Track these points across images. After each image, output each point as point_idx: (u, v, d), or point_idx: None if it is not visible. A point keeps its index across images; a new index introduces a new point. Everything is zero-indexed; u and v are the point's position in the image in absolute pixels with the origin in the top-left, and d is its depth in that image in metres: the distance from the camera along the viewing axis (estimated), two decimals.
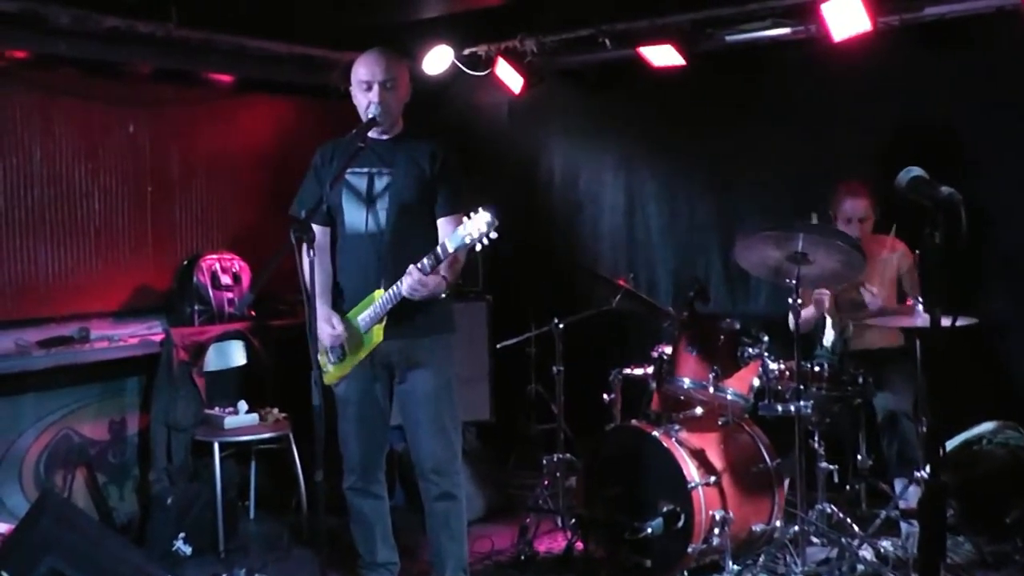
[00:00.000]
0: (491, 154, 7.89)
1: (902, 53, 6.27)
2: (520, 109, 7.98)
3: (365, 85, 4.72)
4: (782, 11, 6.37)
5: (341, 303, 4.87)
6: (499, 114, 8.10)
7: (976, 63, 6.14)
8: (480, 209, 4.35)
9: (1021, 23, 5.68)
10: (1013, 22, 5.79)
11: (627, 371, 5.92)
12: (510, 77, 7.40)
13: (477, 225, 4.32)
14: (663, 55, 6.72)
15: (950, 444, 5.79)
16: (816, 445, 5.42)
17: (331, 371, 4.90)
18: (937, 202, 3.36)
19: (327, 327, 4.77)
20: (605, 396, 5.93)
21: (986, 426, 5.85)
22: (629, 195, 7.64)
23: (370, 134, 4.76)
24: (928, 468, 5.49)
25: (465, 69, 7.53)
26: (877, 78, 6.42)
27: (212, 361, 6.55)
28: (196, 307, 6.68)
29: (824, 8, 5.97)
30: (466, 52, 7.52)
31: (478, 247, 4.36)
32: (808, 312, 5.90)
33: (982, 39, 6.07)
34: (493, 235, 4.35)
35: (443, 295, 4.68)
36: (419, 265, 4.47)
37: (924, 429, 5.35)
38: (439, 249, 4.46)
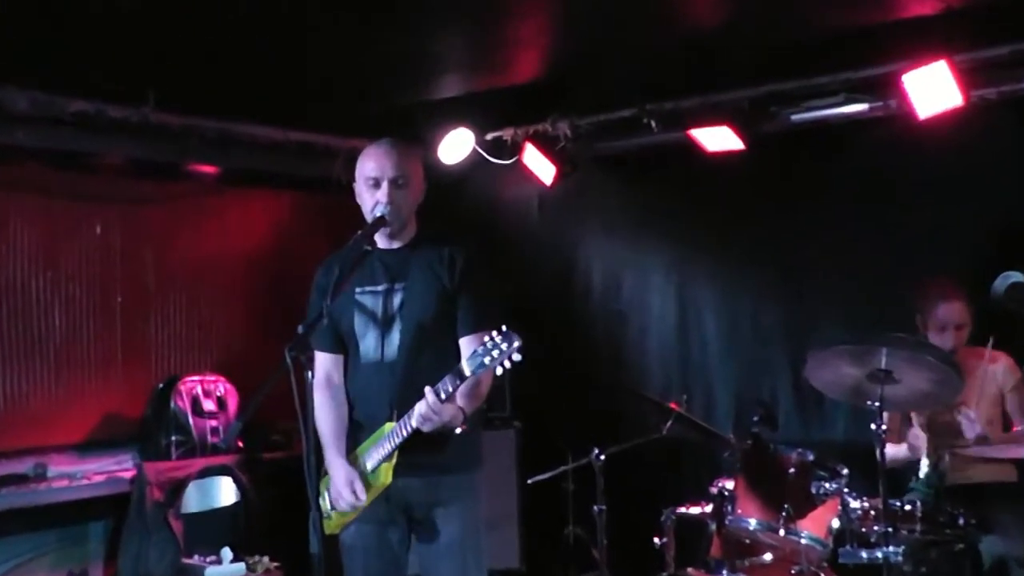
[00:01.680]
0: (519, 256, 8.00)
1: (1002, 131, 6.34)
2: (552, 202, 8.10)
3: (372, 182, 4.78)
4: (856, 84, 6.48)
5: (361, 440, 4.89)
6: (528, 209, 8.23)
7: None
8: (504, 327, 4.38)
9: None
10: None
11: (681, 510, 5.92)
12: (540, 165, 7.51)
13: (498, 344, 4.35)
14: (718, 138, 6.84)
15: None
16: None
17: (333, 517, 4.89)
18: None
19: (346, 491, 4.78)
20: (656, 540, 5.92)
21: None
22: (681, 302, 7.72)
23: (378, 243, 4.81)
24: None
25: (488, 157, 7.67)
26: (973, 162, 6.46)
27: (192, 501, 6.58)
28: (174, 438, 6.74)
29: (906, 80, 6.06)
30: (489, 137, 7.67)
31: (499, 370, 4.39)
32: (899, 451, 5.91)
33: None
34: (517, 356, 4.37)
35: (458, 429, 4.69)
36: (436, 388, 4.49)
37: None
38: (454, 373, 4.49)
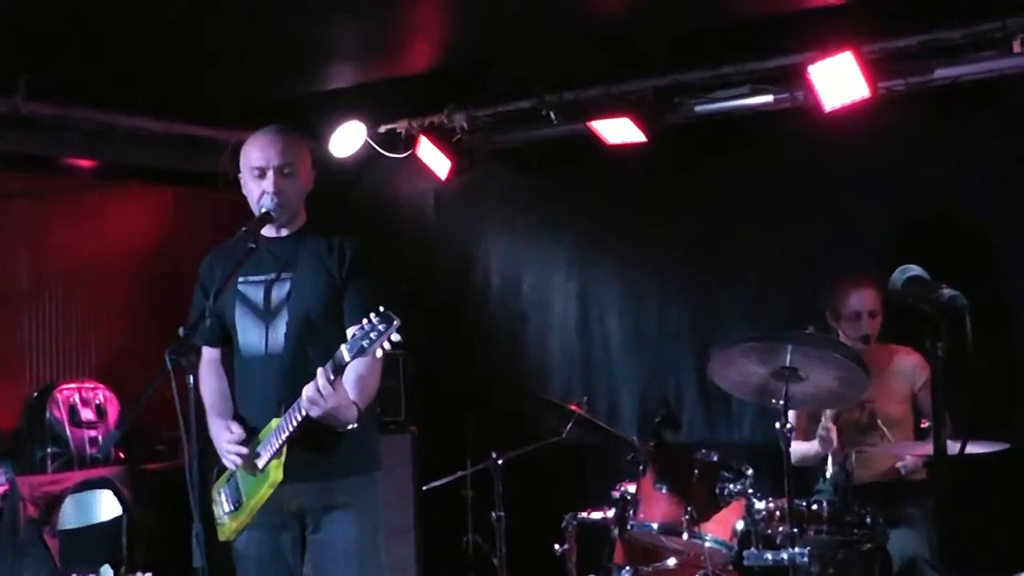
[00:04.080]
0: (415, 253, 8.02)
1: (909, 124, 6.51)
2: (449, 198, 8.15)
3: (258, 171, 4.76)
4: (763, 75, 6.60)
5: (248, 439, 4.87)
6: (423, 205, 8.26)
7: (1003, 135, 6.35)
8: (381, 308, 4.37)
9: None
10: None
11: (583, 515, 5.96)
12: (435, 159, 7.54)
13: (376, 326, 4.34)
14: (620, 130, 6.91)
15: None
16: None
17: (226, 523, 4.87)
18: (938, 307, 3.49)
19: (224, 434, 4.76)
20: (557, 546, 5.96)
21: None
22: (583, 301, 7.79)
23: (265, 232, 4.81)
24: None
25: (381, 150, 7.68)
26: (881, 154, 6.63)
27: (69, 517, 6.52)
28: (50, 449, 6.66)
29: (813, 71, 6.16)
30: (382, 129, 7.67)
31: (379, 352, 4.38)
32: (809, 448, 6.03)
33: (1008, 105, 6.29)
34: (396, 337, 4.37)
35: (352, 425, 4.69)
36: (325, 370, 4.48)
37: None
38: (334, 359, 4.47)
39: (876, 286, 6.03)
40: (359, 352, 4.35)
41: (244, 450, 4.69)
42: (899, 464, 5.97)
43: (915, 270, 3.64)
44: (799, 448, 6.11)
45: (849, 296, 6.11)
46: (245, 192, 4.86)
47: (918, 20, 6.11)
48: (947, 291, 3.53)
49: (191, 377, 3.99)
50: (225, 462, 4.78)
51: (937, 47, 6.13)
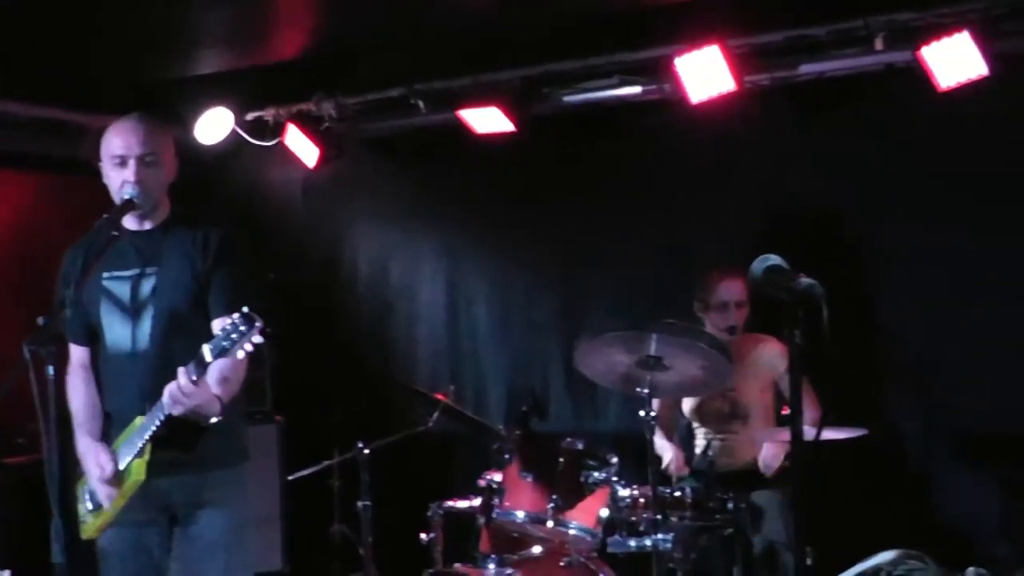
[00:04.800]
0: (283, 242, 7.99)
1: (776, 117, 6.64)
2: (317, 187, 8.12)
3: (118, 160, 4.69)
4: (631, 67, 6.67)
5: (113, 436, 4.80)
6: (291, 193, 8.23)
7: (863, 130, 6.52)
8: (245, 309, 4.35)
9: (915, 82, 6.01)
10: (905, 81, 6.14)
11: (449, 504, 5.99)
12: (303, 148, 7.52)
13: (238, 327, 4.32)
14: (489, 119, 6.95)
15: None
16: None
17: (90, 521, 4.79)
18: (795, 295, 3.57)
19: (95, 469, 4.66)
20: (423, 535, 5.98)
21: (885, 556, 6.00)
22: (451, 290, 7.83)
23: (127, 224, 4.75)
24: None
25: (248, 138, 7.63)
26: (747, 147, 6.76)
27: None
28: None
29: (679, 64, 6.24)
30: (250, 117, 7.62)
31: (240, 354, 4.36)
32: (664, 450, 6.16)
33: (869, 102, 6.45)
34: (257, 339, 4.35)
35: (215, 419, 4.66)
36: (187, 369, 4.44)
37: (810, 561, 5.50)
38: (196, 360, 4.43)
39: (743, 277, 6.14)
40: (221, 353, 4.32)
41: (113, 491, 4.65)
42: (760, 463, 6.09)
43: (774, 259, 3.71)
44: (657, 441, 6.20)
45: (718, 286, 6.24)
46: (106, 181, 4.79)
47: (784, 16, 6.23)
48: (804, 280, 3.61)
49: (51, 368, 3.94)
50: (92, 484, 4.72)
51: (802, 43, 6.26)
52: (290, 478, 6.92)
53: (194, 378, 4.39)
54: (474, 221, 7.69)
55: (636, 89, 6.72)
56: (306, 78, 7.30)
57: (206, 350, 4.35)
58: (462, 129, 7.06)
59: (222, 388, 4.61)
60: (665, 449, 6.22)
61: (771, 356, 6.28)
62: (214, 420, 4.59)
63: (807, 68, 6.32)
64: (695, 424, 6.43)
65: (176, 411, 4.45)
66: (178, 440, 4.61)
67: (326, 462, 6.79)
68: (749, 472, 6.17)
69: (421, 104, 7.08)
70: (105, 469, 4.64)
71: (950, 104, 5.95)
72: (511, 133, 6.97)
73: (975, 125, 6.12)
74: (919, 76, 5.90)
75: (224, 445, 4.79)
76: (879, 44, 6.04)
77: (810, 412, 4.88)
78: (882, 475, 6.47)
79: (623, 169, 7.18)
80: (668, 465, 6.14)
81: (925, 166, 6.35)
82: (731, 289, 6.21)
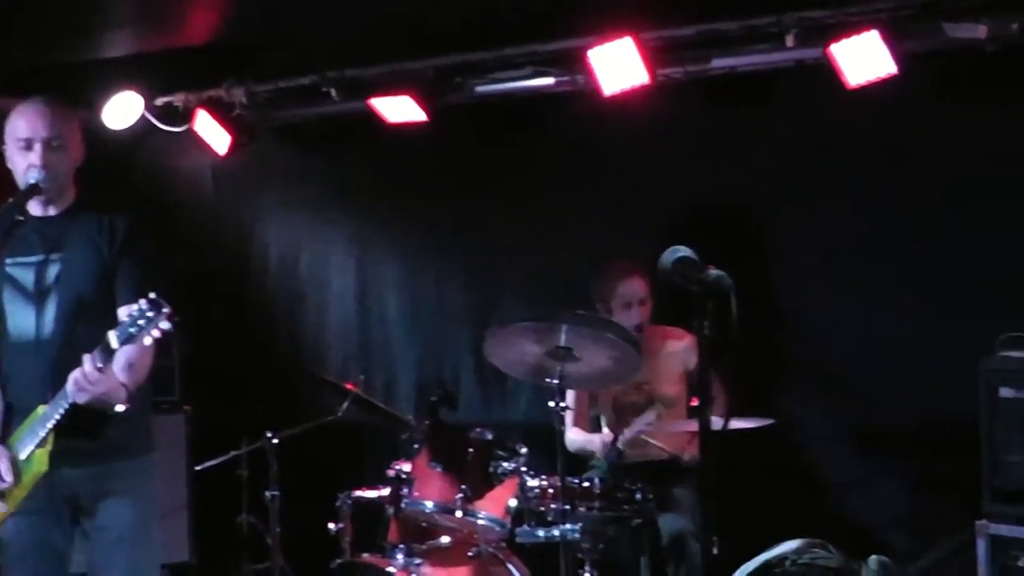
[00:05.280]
0: (192, 229, 7.94)
1: (688, 111, 6.68)
2: (228, 174, 8.08)
3: (24, 143, 4.65)
4: (544, 58, 6.68)
5: (14, 426, 4.74)
6: (202, 180, 8.18)
7: (773, 125, 6.59)
8: (152, 295, 4.31)
9: (824, 79, 6.06)
10: (815, 78, 6.18)
11: (358, 494, 5.97)
12: (214, 134, 7.47)
13: (145, 313, 4.29)
14: (401, 108, 6.94)
15: (747, 567, 6.03)
16: None
17: None
18: (704, 287, 3.61)
19: None
20: (332, 525, 5.97)
21: (789, 545, 6.07)
22: (362, 279, 7.84)
23: (32, 209, 4.70)
24: None
25: (158, 123, 7.56)
26: (660, 140, 6.78)
27: None
28: None
29: (592, 56, 6.26)
30: (160, 102, 7.56)
31: (148, 340, 4.33)
32: (587, 442, 6.24)
33: (780, 97, 6.51)
34: (165, 325, 4.32)
35: (121, 407, 4.62)
36: (92, 356, 4.40)
37: (716, 551, 5.55)
38: (102, 347, 4.39)
39: (645, 274, 6.21)
40: (128, 339, 4.29)
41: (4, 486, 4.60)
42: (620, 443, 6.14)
43: (684, 251, 3.76)
44: (578, 438, 6.27)
45: (618, 286, 6.27)
46: (10, 165, 4.74)
47: (697, 10, 6.26)
48: (713, 271, 3.66)
49: None
50: None
51: (714, 37, 6.29)
52: (197, 468, 6.89)
53: (100, 365, 4.35)
54: (385, 211, 7.69)
55: (549, 80, 6.73)
56: (217, 64, 7.23)
57: (112, 336, 4.31)
58: (374, 118, 7.05)
59: (128, 375, 4.58)
60: (592, 442, 6.26)
61: (683, 348, 6.32)
62: (119, 408, 4.55)
63: (719, 62, 6.35)
64: (604, 417, 6.47)
65: (80, 399, 4.42)
66: (82, 429, 4.57)
67: (234, 452, 6.76)
68: (660, 463, 6.23)
69: (333, 92, 7.06)
70: (4, 477, 4.60)
71: (858, 101, 6.02)
72: (423, 123, 6.96)
73: (882, 123, 6.22)
74: (829, 73, 5.96)
75: (130, 434, 4.76)
76: (790, 41, 6.09)
77: (718, 403, 4.93)
78: (786, 466, 6.57)
79: (535, 160, 7.21)
80: (603, 449, 6.14)
81: (833, 162, 6.43)
82: (632, 288, 6.25)
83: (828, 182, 6.46)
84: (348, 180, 7.78)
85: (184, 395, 7.28)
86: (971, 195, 6.09)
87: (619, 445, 5.91)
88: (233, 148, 7.56)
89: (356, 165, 7.71)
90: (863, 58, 5.85)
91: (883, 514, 6.45)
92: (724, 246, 4.78)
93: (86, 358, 4.35)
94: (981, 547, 5.23)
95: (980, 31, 5.70)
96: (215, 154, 7.62)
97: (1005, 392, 5.20)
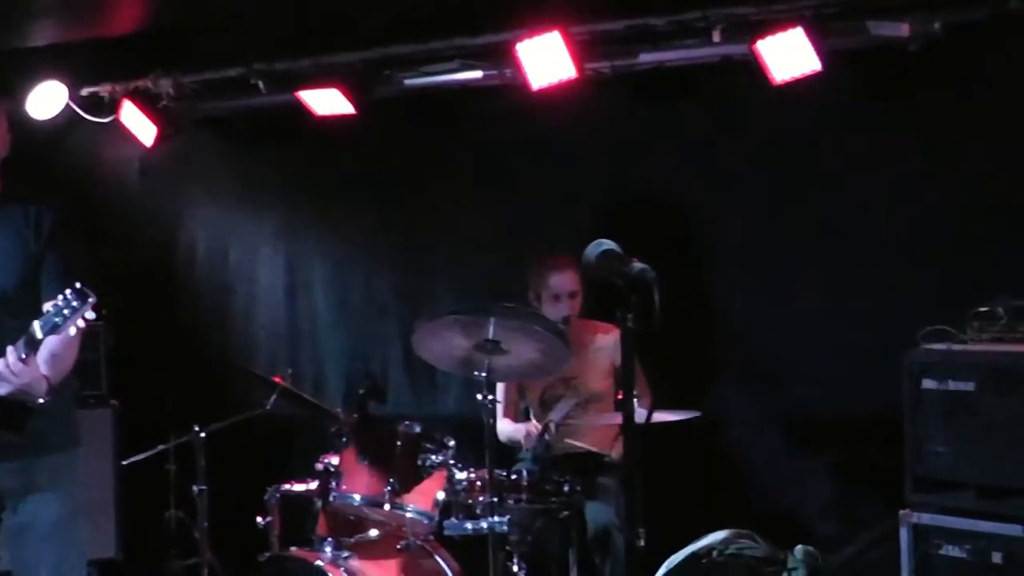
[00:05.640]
0: (119, 222, 7.90)
1: (615, 106, 6.76)
2: (155, 166, 8.05)
3: None
4: (472, 51, 6.72)
5: None
6: (127, 172, 8.13)
7: (700, 120, 6.69)
8: (77, 285, 4.31)
9: (751, 75, 6.15)
10: (740, 73, 6.28)
11: (286, 488, 5.98)
12: (140, 125, 7.44)
13: (70, 302, 4.28)
14: (329, 101, 6.96)
15: (675, 558, 6.11)
16: (516, 569, 5.60)
17: None
18: (628, 279, 3.68)
19: None
20: (260, 519, 5.98)
21: (716, 536, 6.16)
22: (290, 272, 7.86)
23: None
24: None
25: (84, 114, 7.53)
26: (588, 135, 6.87)
27: None
28: None
29: (520, 49, 6.30)
30: (85, 92, 7.52)
31: (72, 330, 4.32)
32: (516, 431, 6.28)
33: (707, 93, 6.61)
34: (90, 315, 4.32)
35: (42, 399, 4.60)
36: (16, 346, 4.39)
37: (642, 543, 5.60)
38: (26, 337, 4.39)
39: (576, 267, 6.21)
40: (52, 329, 4.28)
41: None
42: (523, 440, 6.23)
43: (608, 244, 3.81)
44: (507, 428, 6.31)
45: (549, 278, 6.32)
46: None
47: (625, 5, 6.34)
48: (637, 264, 3.73)
49: None
50: None
51: (642, 32, 6.36)
52: (124, 463, 6.87)
53: (23, 356, 4.34)
54: (314, 203, 7.71)
55: (477, 74, 6.77)
56: (144, 54, 7.22)
57: (36, 327, 4.30)
58: (302, 111, 7.06)
59: (50, 367, 4.55)
60: (520, 431, 6.29)
61: (611, 343, 6.36)
62: (41, 401, 4.54)
63: (647, 57, 6.42)
64: (532, 410, 6.53)
65: (2, 390, 4.41)
66: (5, 423, 4.56)
67: (161, 446, 6.76)
68: (587, 455, 6.30)
69: (261, 84, 7.06)
70: None
71: (784, 98, 6.12)
72: (351, 116, 6.99)
73: (807, 119, 6.32)
74: (755, 69, 6.04)
75: (55, 429, 4.73)
76: (717, 36, 6.18)
77: (642, 396, 5.00)
78: (713, 457, 6.68)
79: (464, 154, 7.27)
80: (529, 437, 6.18)
81: (758, 158, 6.54)
82: (563, 280, 6.30)
83: (753, 177, 6.57)
84: (276, 173, 7.79)
85: (111, 389, 7.26)
86: (894, 191, 6.21)
87: (546, 436, 5.99)
88: (160, 140, 7.54)
89: (284, 158, 7.71)
90: (788, 55, 5.94)
91: (809, 504, 6.57)
92: (650, 240, 4.87)
93: (9, 349, 4.33)
94: (904, 536, 5.33)
95: (903, 29, 5.83)
96: (142, 145, 7.59)
97: (927, 384, 5.29)
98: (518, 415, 6.57)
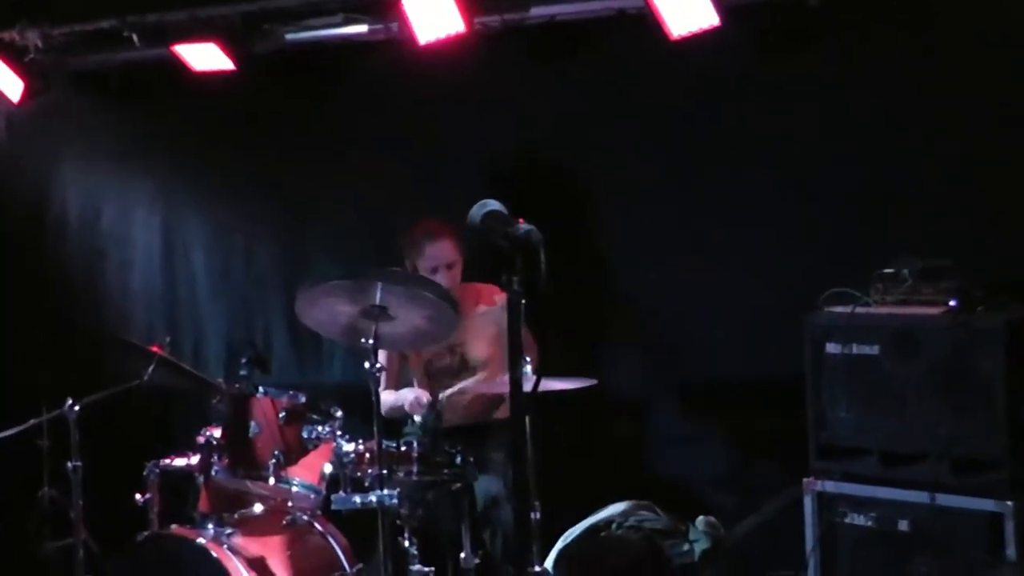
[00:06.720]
0: None
1: (506, 61, 6.75)
2: (22, 123, 7.96)
3: None
4: (357, 5, 6.66)
5: None
6: None
7: (592, 75, 6.72)
8: None
9: (646, 29, 6.14)
10: (636, 28, 6.29)
11: (166, 463, 5.97)
12: (6, 80, 7.33)
13: None
14: (206, 56, 6.88)
15: (574, 531, 6.20)
16: (407, 543, 5.59)
17: None
18: (514, 241, 3.70)
19: None
20: (138, 496, 5.96)
21: (615, 507, 6.27)
22: (167, 237, 7.80)
23: None
24: (545, 562, 5.96)
25: None
26: (476, 91, 6.86)
27: None
28: None
29: (406, 3, 6.26)
30: None
31: None
32: (397, 400, 6.30)
33: (600, 48, 6.62)
34: None
35: None
36: None
37: (538, 515, 5.66)
38: None
39: (454, 234, 6.27)
40: None
41: None
42: (407, 407, 6.26)
43: (493, 204, 3.82)
44: (389, 398, 6.31)
45: (426, 248, 6.32)
46: None
47: None
48: (523, 226, 3.73)
49: None
50: None
51: None
52: None
53: None
54: (192, 163, 7.66)
55: (362, 28, 6.72)
56: (9, 3, 7.10)
57: None
58: (179, 66, 6.97)
59: None
60: (403, 398, 6.30)
61: (497, 307, 6.35)
62: None
63: (538, 11, 6.42)
64: (416, 381, 6.56)
65: None
66: None
67: (33, 420, 6.69)
68: (473, 426, 6.36)
69: (135, 37, 6.95)
70: None
71: (681, 53, 6.13)
72: (231, 72, 6.91)
73: (705, 75, 6.38)
74: (651, 24, 6.03)
75: None
76: None
77: (530, 361, 5.04)
78: (610, 426, 6.76)
79: (347, 112, 7.23)
80: (417, 405, 6.21)
81: (655, 115, 6.58)
82: (439, 250, 6.31)
83: (650, 135, 6.61)
84: (152, 131, 7.72)
85: None
86: (793, 149, 6.28)
87: (437, 407, 6.03)
88: (28, 96, 7.42)
89: (160, 115, 7.65)
90: (686, 9, 5.94)
91: (710, 474, 6.66)
92: (543, 200, 4.93)
93: None
94: (807, 504, 5.46)
95: None
96: (8, 101, 7.47)
97: (831, 348, 5.39)
98: (399, 386, 6.58)
